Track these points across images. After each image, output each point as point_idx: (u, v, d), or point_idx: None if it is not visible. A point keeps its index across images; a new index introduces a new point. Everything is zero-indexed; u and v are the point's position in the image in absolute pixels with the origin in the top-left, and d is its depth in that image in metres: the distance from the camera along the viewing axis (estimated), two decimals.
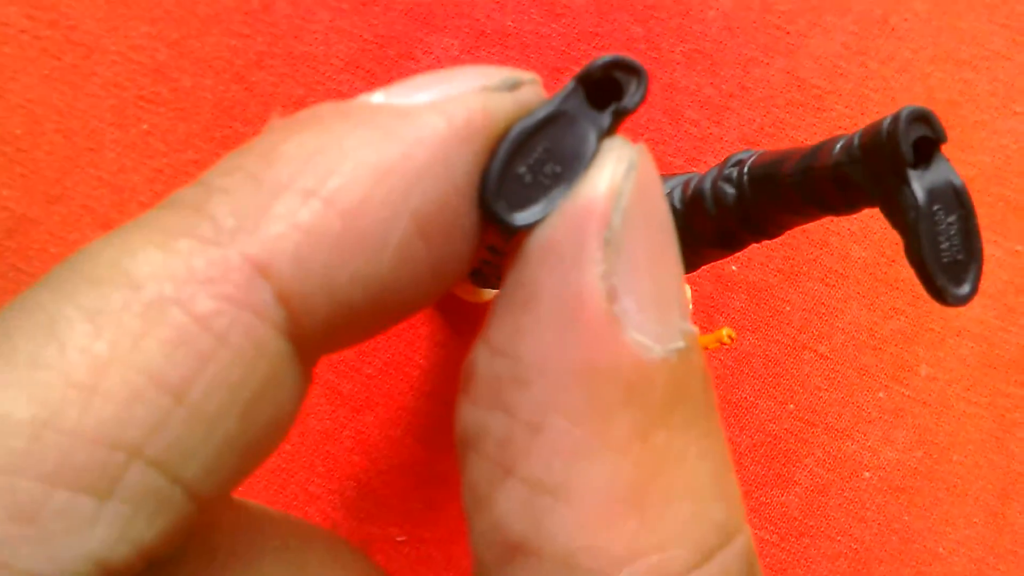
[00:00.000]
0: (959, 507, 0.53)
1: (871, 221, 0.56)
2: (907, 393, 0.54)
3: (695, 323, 0.50)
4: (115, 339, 0.12)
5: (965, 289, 0.20)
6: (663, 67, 0.57)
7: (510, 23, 0.56)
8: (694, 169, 0.56)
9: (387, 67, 0.55)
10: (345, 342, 0.15)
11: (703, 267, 0.53)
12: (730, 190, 0.26)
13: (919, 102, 0.55)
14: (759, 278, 0.55)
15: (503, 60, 0.56)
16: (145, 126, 0.55)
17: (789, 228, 0.27)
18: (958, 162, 0.56)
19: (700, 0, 0.57)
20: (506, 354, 0.14)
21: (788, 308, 0.55)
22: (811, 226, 0.56)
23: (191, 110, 0.56)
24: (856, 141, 0.22)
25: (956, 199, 0.20)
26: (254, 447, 0.13)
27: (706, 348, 0.44)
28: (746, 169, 0.26)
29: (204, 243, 0.13)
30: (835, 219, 0.55)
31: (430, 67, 0.55)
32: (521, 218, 0.16)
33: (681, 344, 0.14)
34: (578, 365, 0.14)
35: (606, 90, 0.17)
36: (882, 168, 0.21)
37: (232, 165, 0.14)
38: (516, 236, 0.16)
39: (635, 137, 0.55)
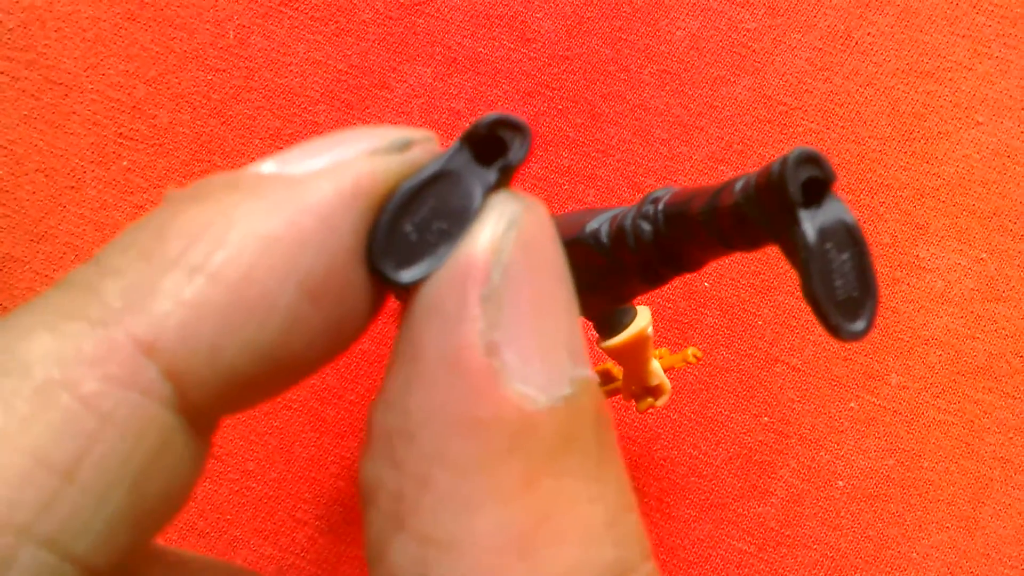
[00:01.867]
0: (932, 513, 0.54)
1: None
2: (878, 402, 0.55)
3: (664, 342, 0.51)
4: (4, 423, 0.12)
5: (860, 325, 0.20)
6: (633, 88, 0.58)
7: (482, 50, 0.57)
8: (669, 184, 0.57)
9: (362, 97, 0.56)
10: (242, 406, 0.15)
11: (674, 284, 0.54)
12: (647, 227, 0.27)
13: (884, 115, 0.56)
14: (731, 294, 0.56)
15: (476, 87, 0.57)
16: (125, 163, 0.57)
17: (707, 262, 0.28)
18: (922, 173, 0.57)
19: (668, 21, 0.58)
20: (396, 408, 0.15)
21: (760, 322, 0.56)
22: None
23: (170, 145, 0.57)
24: (753, 181, 0.22)
25: (848, 237, 0.21)
26: (148, 517, 0.14)
27: (673, 367, 0.45)
28: (660, 207, 0.27)
29: (92, 325, 0.13)
30: None
31: (405, 95, 0.57)
32: (407, 275, 0.16)
33: (567, 391, 0.15)
34: (461, 418, 0.14)
35: (493, 147, 0.17)
36: (774, 208, 0.21)
37: (126, 242, 0.14)
38: (407, 293, 0.17)
39: (606, 158, 0.56)
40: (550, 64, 0.57)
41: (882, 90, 0.58)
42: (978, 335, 0.56)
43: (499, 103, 0.57)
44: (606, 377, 0.46)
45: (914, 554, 0.54)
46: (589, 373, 0.16)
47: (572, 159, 0.58)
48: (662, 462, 0.54)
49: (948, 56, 0.58)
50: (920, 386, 0.55)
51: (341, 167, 0.15)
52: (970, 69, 0.58)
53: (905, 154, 0.57)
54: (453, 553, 0.14)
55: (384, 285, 0.17)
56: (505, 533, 0.14)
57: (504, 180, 0.17)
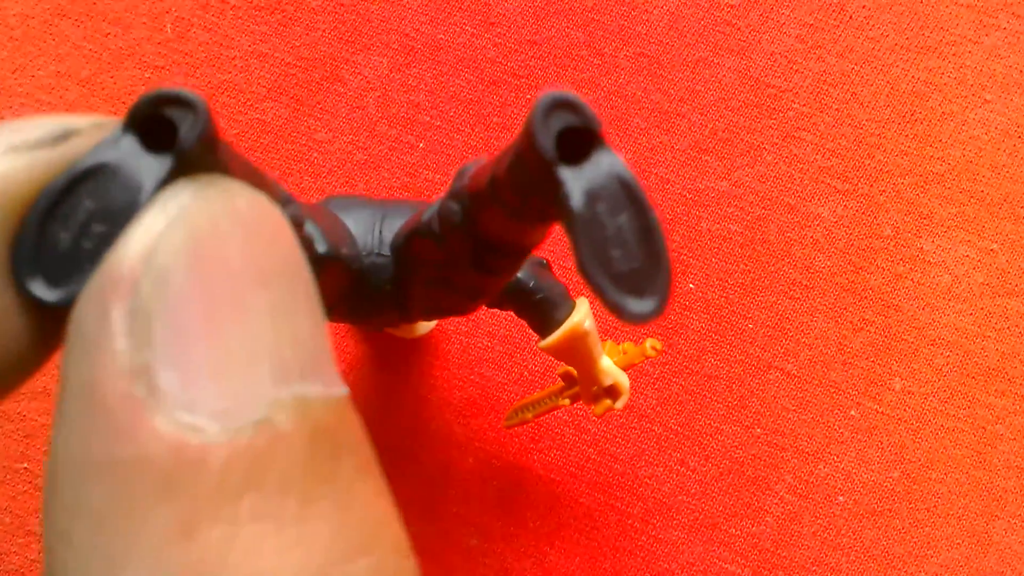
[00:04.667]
0: (941, 529, 0.50)
1: (835, 228, 0.52)
2: (881, 410, 0.51)
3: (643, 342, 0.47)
4: None
5: (648, 304, 0.16)
6: (607, 74, 0.53)
7: (442, 36, 0.53)
8: (645, 181, 0.53)
9: (313, 91, 0.52)
10: None
11: None
12: (455, 207, 0.23)
13: (882, 96, 0.52)
14: (718, 295, 0.52)
15: (436, 76, 0.52)
16: None
17: (529, 245, 0.23)
18: (925, 158, 0.52)
19: (644, 0, 0.53)
20: (49, 455, 0.13)
21: (751, 326, 0.52)
22: (771, 237, 0.52)
23: None
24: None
25: (624, 196, 0.17)
26: None
27: (633, 364, 0.41)
28: (466, 181, 0.23)
29: None
30: (798, 228, 0.52)
31: (360, 88, 0.52)
32: (55, 295, 0.13)
33: (259, 416, 0.12)
34: (100, 461, 0.12)
35: (165, 130, 0.14)
36: (535, 168, 0.17)
37: None
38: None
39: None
40: (516, 50, 0.53)
41: (879, 68, 0.53)
42: (989, 333, 0.51)
43: (462, 94, 0.53)
44: (569, 381, 0.42)
45: (922, 574, 0.50)
46: (314, 389, 0.13)
47: None
48: (647, 480, 0.50)
49: (952, 29, 0.53)
50: (927, 391, 0.51)
51: None
52: (976, 43, 0.53)
53: (906, 137, 0.52)
54: None
55: (41, 307, 0.13)
56: None
57: (183, 169, 0.14)
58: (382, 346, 0.50)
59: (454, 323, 0.50)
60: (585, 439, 0.50)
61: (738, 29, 0.53)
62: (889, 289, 0.52)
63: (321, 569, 0.12)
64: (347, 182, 0.51)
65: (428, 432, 0.50)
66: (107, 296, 0.12)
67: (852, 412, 0.51)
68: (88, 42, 0.52)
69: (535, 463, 0.49)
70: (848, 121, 0.53)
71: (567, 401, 0.42)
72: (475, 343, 0.50)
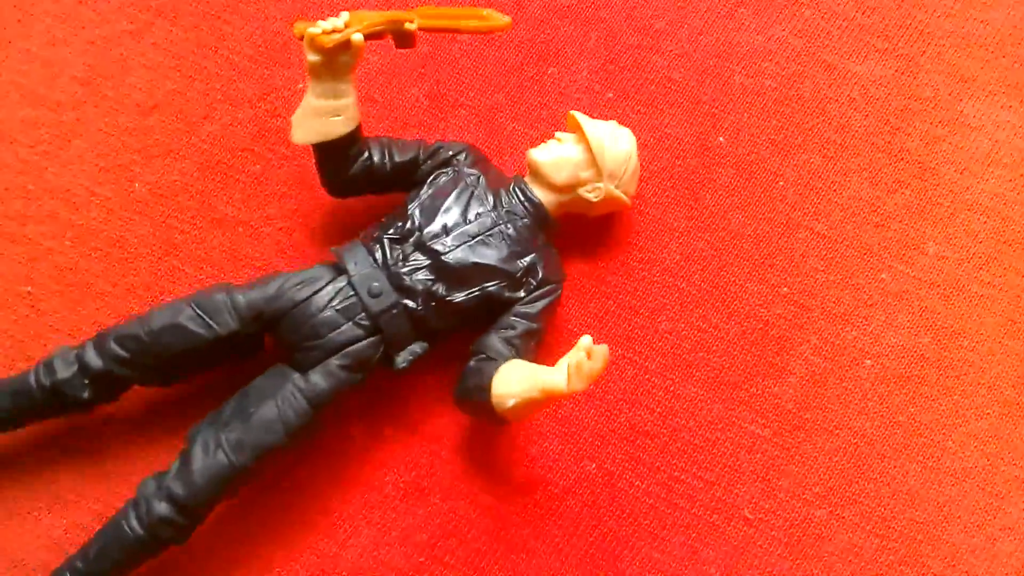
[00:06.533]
0: (970, 397, 0.48)
1: (873, 87, 0.50)
2: (913, 274, 0.49)
3: (673, 203, 0.45)
4: None
5: None
6: None
7: None
8: (679, 32, 0.51)
9: None
10: None
11: (684, 137, 0.48)
12: None
13: None
14: (748, 150, 0.50)
15: None
16: None
17: None
18: (969, 20, 0.51)
19: None
20: None
21: (781, 183, 0.50)
22: (806, 94, 0.50)
23: None
24: None
25: None
26: None
27: (376, 32, 0.41)
28: None
29: None
30: (834, 86, 0.50)
31: None
32: None
33: None
34: None
35: None
36: None
37: None
38: None
39: None
40: None
41: None
42: None
43: None
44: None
45: (950, 443, 0.48)
46: None
47: None
48: (667, 335, 0.48)
49: None
50: (961, 256, 0.49)
51: None
52: None
53: None
54: None
55: None
56: None
57: None
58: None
59: None
60: (605, 291, 0.49)
61: None
62: (926, 151, 0.50)
63: None
64: None
65: None
66: None
67: (883, 275, 0.49)
68: None
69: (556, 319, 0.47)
70: None
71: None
72: None
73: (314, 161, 0.45)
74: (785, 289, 0.49)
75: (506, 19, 0.42)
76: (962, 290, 0.49)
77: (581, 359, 0.37)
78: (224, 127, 0.50)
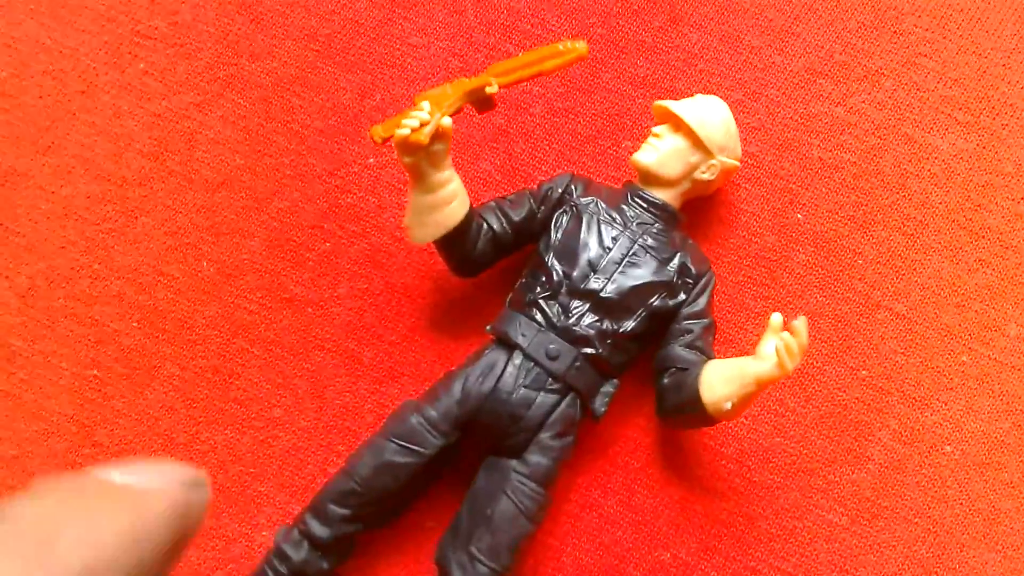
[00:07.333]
0: None
1: (954, 162, 0.49)
2: (993, 356, 0.48)
3: (749, 282, 0.44)
4: None
5: None
6: None
7: None
8: (755, 104, 0.50)
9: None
10: None
11: (762, 214, 0.47)
12: None
13: (1008, 23, 0.48)
14: (827, 228, 0.49)
15: None
16: (142, 65, 0.50)
17: None
18: None
19: None
20: None
21: (860, 262, 0.49)
22: (886, 168, 0.49)
23: (191, 46, 0.50)
24: None
25: None
26: None
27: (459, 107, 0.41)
28: None
29: None
30: (915, 161, 0.49)
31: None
32: None
33: None
34: None
35: None
36: None
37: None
38: None
39: (687, 68, 0.49)
40: None
41: None
42: None
43: (565, 2, 0.50)
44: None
45: None
46: None
47: (648, 68, 0.50)
48: (743, 420, 0.47)
49: None
50: None
51: (170, 488, 0.18)
52: None
53: None
54: None
55: None
56: None
57: None
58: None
59: None
60: None
61: None
62: (1008, 229, 0.49)
63: None
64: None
65: None
66: None
67: (963, 357, 0.48)
68: None
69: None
70: (972, 48, 0.50)
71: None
72: None
73: (439, 254, 0.44)
74: (864, 372, 0.48)
75: (583, 44, 0.41)
76: None
77: (787, 339, 0.37)
78: (293, 203, 0.49)
